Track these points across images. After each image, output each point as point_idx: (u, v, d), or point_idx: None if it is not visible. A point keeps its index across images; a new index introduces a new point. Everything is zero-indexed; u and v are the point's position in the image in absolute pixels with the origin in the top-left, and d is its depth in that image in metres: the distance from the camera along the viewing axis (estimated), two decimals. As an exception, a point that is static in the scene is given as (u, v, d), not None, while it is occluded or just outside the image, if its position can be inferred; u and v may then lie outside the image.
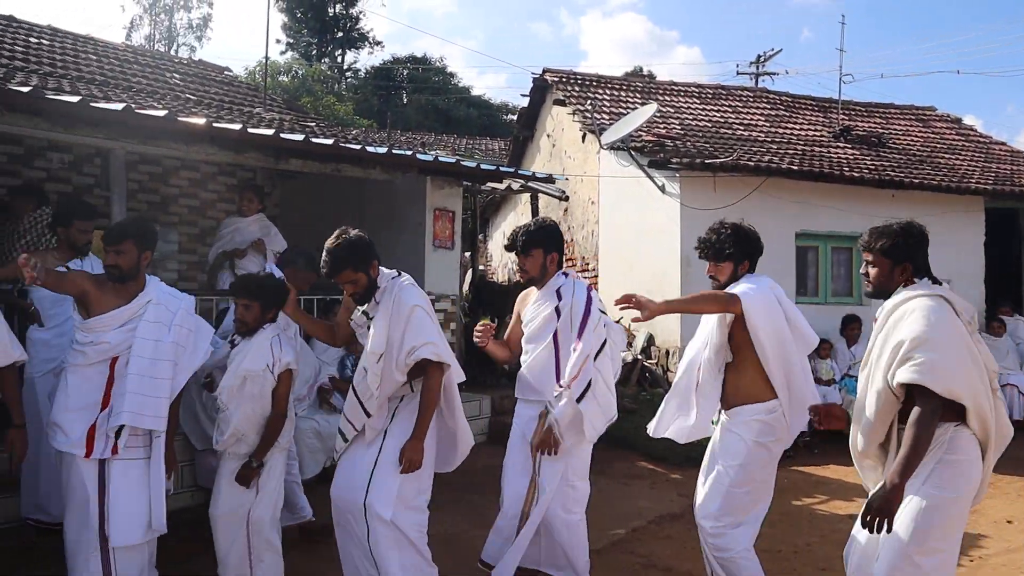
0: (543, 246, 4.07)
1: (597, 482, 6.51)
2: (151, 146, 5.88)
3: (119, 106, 5.11)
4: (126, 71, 9.19)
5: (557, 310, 4.07)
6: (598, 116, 10.94)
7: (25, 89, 4.90)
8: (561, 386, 3.96)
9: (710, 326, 3.83)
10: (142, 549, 3.71)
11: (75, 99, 4.99)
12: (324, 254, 3.74)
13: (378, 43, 36.99)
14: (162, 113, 5.44)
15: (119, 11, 37.20)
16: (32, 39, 9.05)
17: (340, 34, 33.50)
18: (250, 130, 5.80)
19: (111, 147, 5.74)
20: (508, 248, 4.20)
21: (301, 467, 5.80)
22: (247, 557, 3.87)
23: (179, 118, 5.50)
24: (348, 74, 33.62)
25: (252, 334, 3.96)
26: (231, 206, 8.67)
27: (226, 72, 11.69)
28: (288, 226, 7.68)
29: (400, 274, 3.89)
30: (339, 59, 33.74)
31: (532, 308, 4.19)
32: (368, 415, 3.76)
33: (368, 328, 3.81)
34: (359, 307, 3.87)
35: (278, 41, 32.67)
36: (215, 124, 5.65)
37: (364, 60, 45.18)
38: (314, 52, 32.52)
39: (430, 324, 3.79)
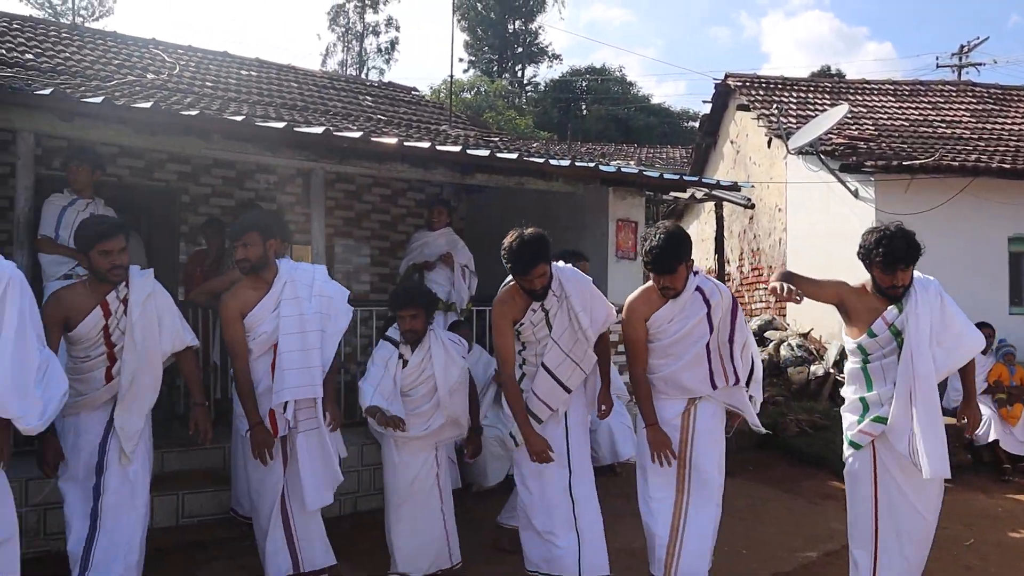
0: (685, 259, 3.94)
1: (786, 501, 6.23)
2: (348, 165, 6.25)
3: (319, 130, 5.47)
4: (324, 96, 9.80)
5: (708, 312, 3.99)
6: (784, 120, 10.55)
7: (239, 118, 5.33)
8: (722, 384, 4.04)
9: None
10: (317, 515, 4.15)
11: (280, 125, 5.39)
12: (520, 248, 3.92)
13: (556, 56, 37.61)
14: (357, 134, 5.76)
15: (315, 39, 39.91)
16: (243, 72, 9.83)
17: (520, 49, 34.25)
18: (438, 147, 6.03)
19: (312, 167, 6.15)
20: (656, 270, 3.98)
21: (486, 474, 5.97)
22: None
23: (372, 138, 5.80)
24: (528, 88, 34.29)
25: (420, 341, 4.44)
26: (420, 220, 9.05)
27: (413, 92, 12.21)
28: (474, 239, 7.90)
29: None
30: (519, 74, 34.48)
31: (671, 312, 4.03)
32: (569, 391, 4.15)
33: (545, 321, 4.12)
34: (536, 302, 4.10)
35: (461, 60, 33.87)
36: (406, 143, 5.91)
37: (543, 74, 45.81)
38: (495, 68, 33.39)
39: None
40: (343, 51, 35.43)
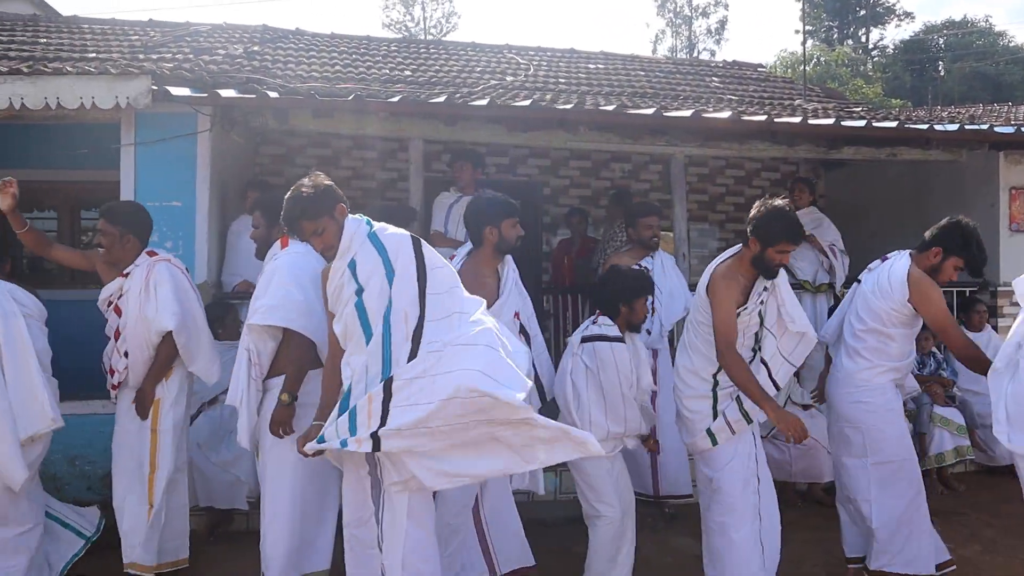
0: None
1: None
2: (708, 148, 6.12)
3: (687, 113, 5.38)
4: (671, 81, 9.72)
5: None
6: None
7: (611, 107, 5.40)
8: None
9: None
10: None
11: (650, 111, 5.38)
12: (789, 215, 3.64)
13: (907, 15, 34.17)
14: (725, 114, 5.60)
15: (644, 27, 40.21)
16: (591, 65, 10.05)
17: (862, 12, 31.70)
18: (811, 120, 5.67)
19: (672, 153, 6.09)
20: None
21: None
22: None
23: (743, 117, 5.61)
24: (874, 53, 31.64)
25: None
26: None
27: (759, 69, 11.72)
28: (834, 217, 7.38)
29: None
30: (863, 39, 31.93)
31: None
32: (778, 388, 3.90)
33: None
34: (762, 286, 3.79)
35: (796, 31, 32.15)
36: (776, 120, 5.64)
37: (891, 35, 42.10)
38: (835, 35, 31.25)
39: None
40: (672, 36, 35.31)
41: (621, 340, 3.97)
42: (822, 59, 27.24)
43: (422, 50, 9.83)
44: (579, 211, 7.37)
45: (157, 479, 4.28)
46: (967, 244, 3.87)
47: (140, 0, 51.27)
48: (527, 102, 5.35)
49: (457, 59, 9.45)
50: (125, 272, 4.21)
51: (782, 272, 3.79)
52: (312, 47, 8.85)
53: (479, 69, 8.94)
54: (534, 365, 3.91)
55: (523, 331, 3.99)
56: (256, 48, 8.03)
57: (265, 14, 48.24)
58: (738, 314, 3.73)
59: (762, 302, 3.78)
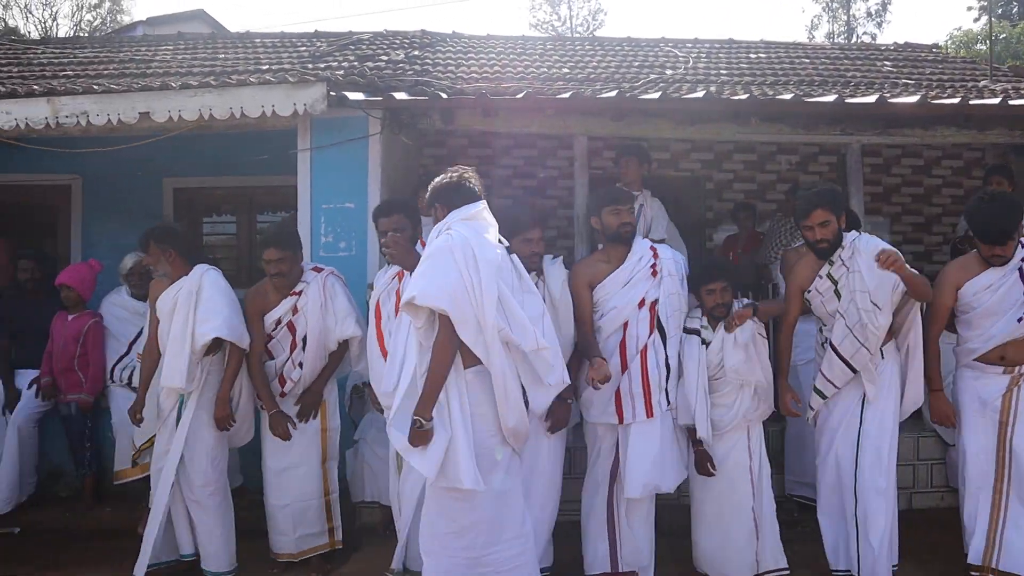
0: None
1: None
2: (889, 136, 5.74)
3: (871, 99, 5.07)
4: (839, 67, 9.22)
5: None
6: None
7: (788, 96, 5.16)
8: None
9: None
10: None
11: (831, 99, 5.10)
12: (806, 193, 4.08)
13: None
14: (913, 99, 5.24)
15: (799, 13, 38.50)
16: (751, 55, 9.70)
17: (1044, -17, 29.24)
18: (1011, 102, 5.22)
19: (847, 142, 5.76)
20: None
21: None
22: None
23: (932, 101, 5.23)
24: (1058, 28, 29.11)
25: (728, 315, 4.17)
26: (956, 191, 8.08)
27: (934, 50, 10.96)
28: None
29: None
30: (1044, 12, 29.44)
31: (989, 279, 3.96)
32: (854, 371, 4.00)
33: (834, 291, 4.01)
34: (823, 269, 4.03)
35: (969, 8, 30.03)
36: (972, 102, 5.22)
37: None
38: (1014, 10, 28.97)
39: None
40: (828, 21, 33.77)
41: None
42: (1002, 36, 25.31)
43: (577, 47, 9.76)
44: (747, 206, 7.12)
45: (330, 468, 4.65)
46: None
47: (305, 13, 54.08)
48: (700, 94, 5.18)
49: (614, 55, 9.31)
50: (297, 290, 4.41)
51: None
52: (469, 49, 8.95)
53: (636, 64, 8.77)
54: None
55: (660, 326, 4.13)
56: (416, 53, 8.20)
57: (423, 19, 49.88)
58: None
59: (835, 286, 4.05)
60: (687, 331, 4.22)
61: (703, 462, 4.12)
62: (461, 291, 3.16)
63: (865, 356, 3.95)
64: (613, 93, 5.25)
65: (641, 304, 4.08)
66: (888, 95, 6.06)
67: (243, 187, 7.34)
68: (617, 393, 4.06)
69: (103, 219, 7.44)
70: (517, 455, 3.44)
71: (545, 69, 8.05)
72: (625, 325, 4.09)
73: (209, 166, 7.14)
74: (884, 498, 3.93)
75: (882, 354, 4.04)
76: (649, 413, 4.04)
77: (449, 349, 3.22)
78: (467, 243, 3.24)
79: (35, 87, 5.67)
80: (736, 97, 5.20)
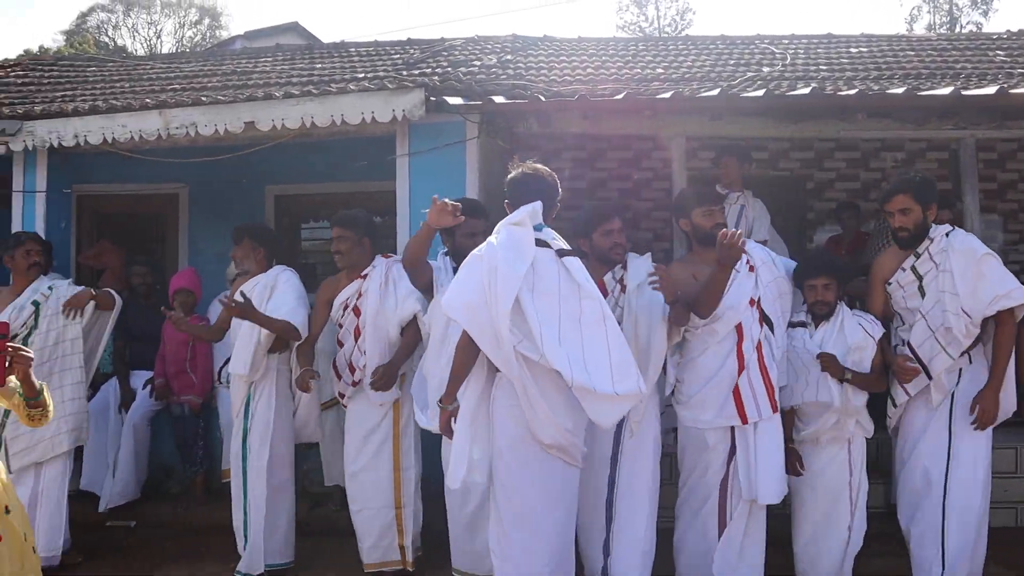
0: None
1: None
2: (1006, 130, 5.49)
3: (991, 90, 4.87)
4: (946, 59, 8.84)
5: None
6: None
7: (899, 91, 4.98)
8: None
9: None
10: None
11: (947, 91, 4.89)
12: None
13: None
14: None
15: (897, 7, 37.19)
16: (852, 49, 9.37)
17: None
18: None
19: (960, 137, 5.53)
20: None
21: None
22: None
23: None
24: None
25: (830, 316, 4.07)
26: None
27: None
28: None
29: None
30: None
31: None
32: (930, 377, 3.89)
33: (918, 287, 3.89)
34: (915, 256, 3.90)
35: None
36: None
37: None
38: None
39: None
40: (929, 12, 32.53)
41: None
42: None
43: (670, 47, 9.62)
44: (851, 205, 6.91)
45: (405, 479, 4.54)
46: None
47: (397, 21, 55.17)
48: (806, 90, 5.04)
49: (708, 54, 9.14)
50: (363, 274, 4.52)
51: None
52: (561, 52, 8.92)
53: (732, 62, 8.58)
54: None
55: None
56: (509, 57, 8.22)
57: (513, 24, 50.27)
58: None
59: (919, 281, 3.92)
60: (792, 325, 4.16)
61: (793, 461, 4.03)
62: (480, 304, 3.20)
63: (945, 363, 3.78)
64: (715, 92, 5.15)
65: (752, 302, 3.98)
66: (1006, 86, 5.79)
67: (340, 193, 7.48)
68: (736, 392, 3.91)
69: (208, 226, 7.70)
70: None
71: (639, 70, 7.95)
72: (739, 325, 3.98)
73: (308, 173, 7.31)
74: (974, 516, 3.78)
75: (969, 358, 3.86)
76: (774, 408, 3.93)
77: (468, 351, 3.37)
78: (495, 254, 3.27)
79: (147, 100, 5.91)
80: (844, 92, 5.02)
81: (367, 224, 4.66)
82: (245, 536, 4.63)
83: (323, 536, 5.19)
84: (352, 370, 4.53)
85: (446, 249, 4.43)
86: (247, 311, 4.37)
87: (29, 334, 4.77)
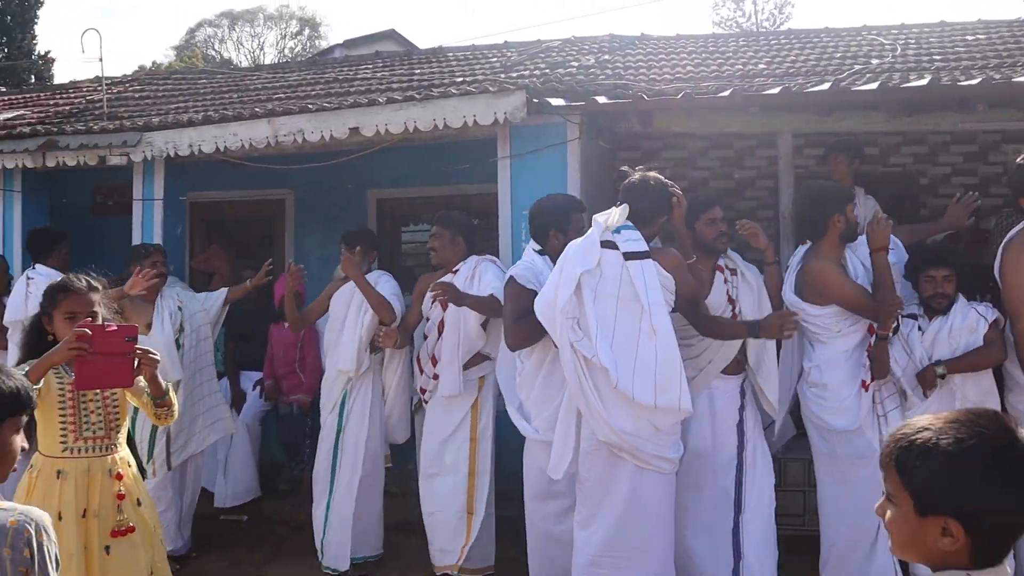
0: None
1: None
2: None
3: None
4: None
5: None
6: None
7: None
8: None
9: None
10: None
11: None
12: None
13: None
14: None
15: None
16: (968, 37, 8.97)
17: None
18: None
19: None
20: None
21: None
22: None
23: None
24: None
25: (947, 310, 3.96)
26: None
27: None
28: None
29: None
30: None
31: None
32: None
33: None
34: None
35: None
36: None
37: None
38: None
39: None
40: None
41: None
42: None
43: (772, 41, 9.38)
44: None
45: (479, 485, 4.57)
46: None
47: (493, 26, 55.73)
48: (923, 81, 4.82)
49: (812, 47, 8.88)
50: (454, 269, 4.72)
51: None
52: (660, 51, 8.80)
53: (838, 55, 8.31)
54: None
55: None
56: (606, 57, 8.16)
57: (609, 24, 50.13)
58: None
59: None
60: (906, 316, 4.09)
61: None
62: (551, 302, 3.52)
63: None
64: (826, 86, 4.99)
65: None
66: None
67: (441, 196, 7.56)
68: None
69: (312, 230, 7.89)
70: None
71: (740, 66, 7.77)
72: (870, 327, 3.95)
73: (409, 177, 7.41)
74: None
75: None
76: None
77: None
78: (566, 255, 3.59)
79: (256, 109, 6.09)
80: (965, 83, 4.78)
81: (462, 224, 4.86)
82: (324, 531, 4.82)
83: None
84: (434, 362, 4.64)
85: (539, 248, 4.39)
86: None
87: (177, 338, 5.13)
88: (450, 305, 4.54)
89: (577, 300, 3.47)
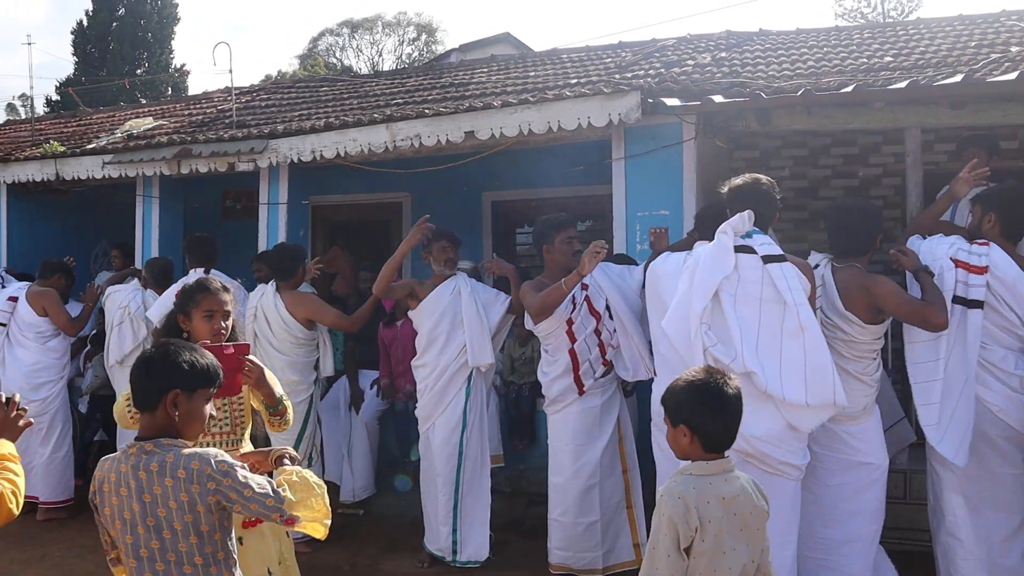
0: None
1: None
2: None
3: None
4: None
5: None
6: None
7: None
8: None
9: None
10: None
11: None
12: None
13: None
14: None
15: None
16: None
17: None
18: None
19: None
20: None
21: None
22: None
23: None
24: None
25: None
26: None
27: None
28: None
29: None
30: None
31: None
32: None
33: None
34: None
35: None
36: None
37: None
38: None
39: None
40: None
41: None
42: None
43: (899, 32, 8.97)
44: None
45: (632, 479, 4.68)
46: None
47: (607, 26, 55.56)
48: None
49: (944, 36, 8.45)
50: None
51: None
52: (779, 46, 8.55)
53: (973, 44, 7.88)
54: None
55: None
56: (723, 55, 7.99)
57: (725, 21, 49.17)
58: None
59: None
60: None
61: None
62: (684, 314, 3.57)
63: None
64: (958, 78, 4.73)
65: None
66: None
67: (555, 198, 7.59)
68: None
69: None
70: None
71: (865, 60, 7.47)
72: None
73: (523, 179, 7.46)
74: None
75: None
76: None
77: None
78: (698, 259, 3.60)
79: (375, 115, 6.27)
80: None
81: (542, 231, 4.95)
82: (454, 529, 4.90)
83: (536, 535, 5.24)
84: (603, 350, 4.61)
85: None
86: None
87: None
88: (597, 305, 4.61)
89: (713, 306, 3.51)
